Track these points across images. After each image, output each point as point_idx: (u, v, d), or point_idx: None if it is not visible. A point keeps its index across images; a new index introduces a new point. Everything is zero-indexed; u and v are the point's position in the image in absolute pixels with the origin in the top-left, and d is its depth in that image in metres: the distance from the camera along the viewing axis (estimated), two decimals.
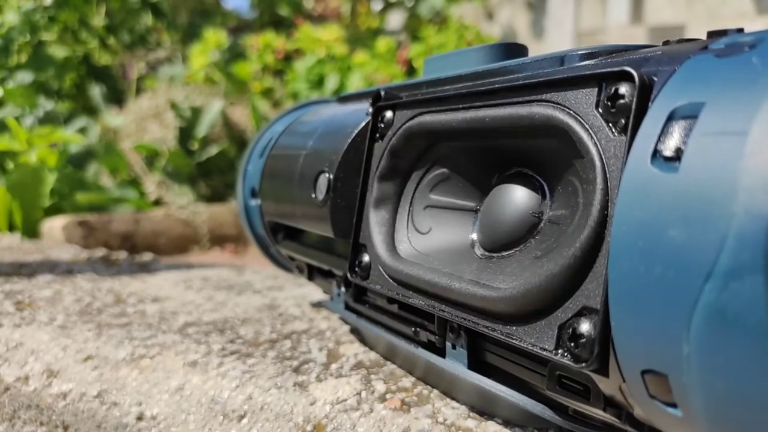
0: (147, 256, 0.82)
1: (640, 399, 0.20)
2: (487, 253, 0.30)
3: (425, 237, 0.33)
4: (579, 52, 0.26)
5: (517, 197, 0.29)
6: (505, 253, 0.29)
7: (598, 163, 0.22)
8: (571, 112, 0.24)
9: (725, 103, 0.18)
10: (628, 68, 0.22)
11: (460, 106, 0.30)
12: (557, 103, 0.25)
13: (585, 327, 0.22)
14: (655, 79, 0.21)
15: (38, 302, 0.54)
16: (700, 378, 0.17)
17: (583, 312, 0.22)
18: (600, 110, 0.23)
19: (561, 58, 0.27)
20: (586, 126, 0.23)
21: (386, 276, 0.33)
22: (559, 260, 0.23)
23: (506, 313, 0.25)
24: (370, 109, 0.36)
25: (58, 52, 2.11)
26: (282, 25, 2.62)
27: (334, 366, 0.38)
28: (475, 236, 0.31)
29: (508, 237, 0.29)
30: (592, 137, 0.23)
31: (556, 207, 0.27)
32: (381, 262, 0.33)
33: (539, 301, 0.24)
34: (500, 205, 0.30)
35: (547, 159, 0.27)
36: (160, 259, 0.82)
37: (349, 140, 0.37)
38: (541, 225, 0.27)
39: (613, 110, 0.22)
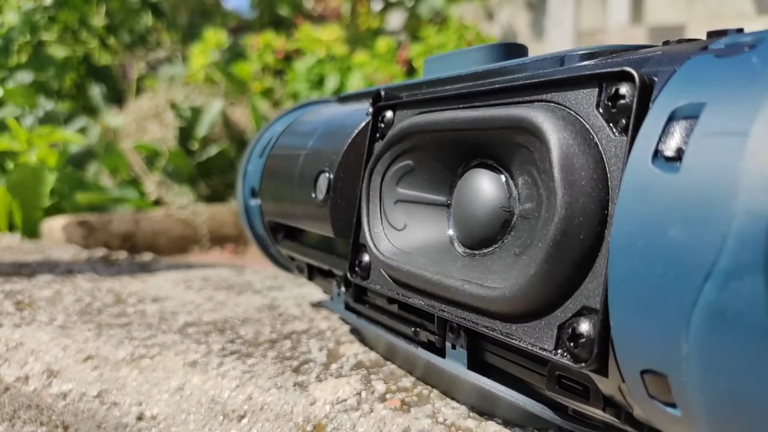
0: (147, 256, 0.82)
1: (639, 399, 0.20)
2: (468, 251, 0.30)
3: (402, 233, 0.33)
4: (579, 53, 0.26)
5: (486, 191, 0.29)
6: (485, 251, 0.29)
7: (553, 150, 0.23)
8: (571, 111, 0.24)
9: (726, 103, 0.18)
10: (628, 68, 0.22)
11: (461, 105, 0.30)
12: (558, 103, 0.25)
13: (584, 327, 0.22)
14: (656, 79, 0.21)
15: (38, 302, 0.54)
16: (700, 378, 0.17)
17: (582, 312, 0.22)
18: (601, 110, 0.23)
19: (561, 59, 0.27)
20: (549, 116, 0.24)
21: (386, 276, 0.33)
22: (553, 258, 0.23)
23: (506, 313, 0.25)
24: (371, 109, 0.36)
25: (58, 52, 2.11)
26: (282, 25, 2.62)
27: (334, 366, 0.38)
28: (451, 232, 0.31)
29: (484, 233, 0.29)
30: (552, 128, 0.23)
31: (523, 200, 0.27)
32: (381, 262, 0.33)
33: (539, 301, 0.24)
34: (471, 200, 0.30)
35: (508, 150, 0.28)
36: (160, 259, 0.82)
37: (349, 140, 0.37)
38: (514, 221, 0.28)
39: (613, 110, 0.22)
